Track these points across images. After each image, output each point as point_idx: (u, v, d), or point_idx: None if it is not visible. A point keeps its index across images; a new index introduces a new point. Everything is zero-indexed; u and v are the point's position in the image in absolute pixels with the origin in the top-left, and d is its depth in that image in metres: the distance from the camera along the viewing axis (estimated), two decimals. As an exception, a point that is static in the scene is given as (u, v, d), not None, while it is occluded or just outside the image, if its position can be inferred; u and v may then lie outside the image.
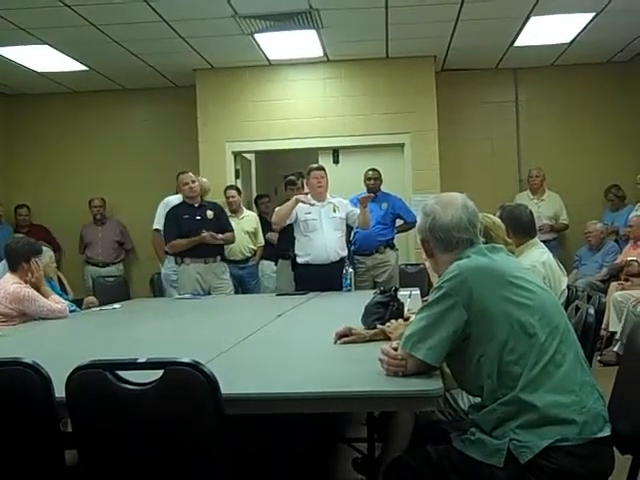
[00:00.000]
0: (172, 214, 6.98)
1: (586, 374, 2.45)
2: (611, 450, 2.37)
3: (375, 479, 2.70)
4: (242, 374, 2.71)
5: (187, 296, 6.45)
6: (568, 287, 4.38)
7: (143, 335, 4.09)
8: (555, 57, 9.27)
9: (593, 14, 7.53)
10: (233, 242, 7.29)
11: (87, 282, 8.94)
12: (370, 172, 8.16)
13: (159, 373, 2.16)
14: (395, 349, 2.52)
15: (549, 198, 9.12)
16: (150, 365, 2.20)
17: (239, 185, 8.98)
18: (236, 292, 7.32)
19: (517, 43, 8.51)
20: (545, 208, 8.86)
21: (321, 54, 8.74)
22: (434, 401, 2.35)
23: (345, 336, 3.24)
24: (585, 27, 7.94)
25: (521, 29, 7.97)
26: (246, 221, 8.18)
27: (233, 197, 8.21)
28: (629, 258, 7.70)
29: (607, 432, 2.34)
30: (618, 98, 9.60)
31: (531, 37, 8.28)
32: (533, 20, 7.65)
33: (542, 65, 9.58)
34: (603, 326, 6.44)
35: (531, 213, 4.74)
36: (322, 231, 6.53)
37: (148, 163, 9.80)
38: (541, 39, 8.42)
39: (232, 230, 7.17)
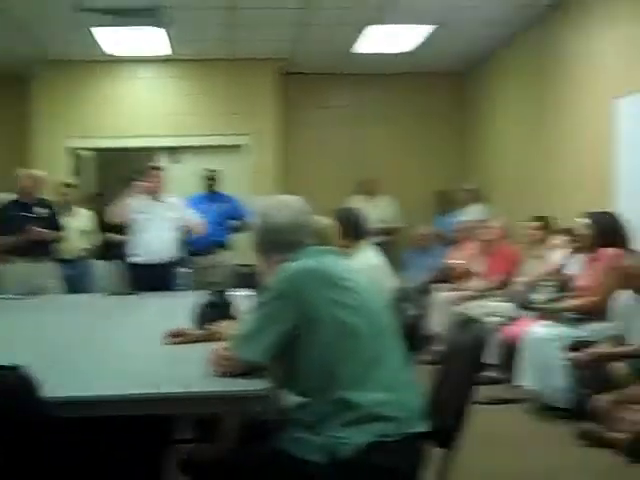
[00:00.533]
0: (1, 210, 6.71)
1: (407, 372, 2.55)
2: (428, 444, 2.47)
3: None
4: (67, 376, 2.66)
5: (11, 296, 6.18)
6: (395, 289, 4.53)
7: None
8: (394, 65, 9.53)
9: (433, 27, 7.81)
10: (60, 240, 7.06)
11: None
12: (208, 172, 8.14)
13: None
14: (224, 349, 2.54)
15: (382, 201, 9.37)
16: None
17: (76, 182, 8.72)
18: (68, 292, 7.10)
19: (357, 50, 8.70)
20: (378, 211, 9.09)
21: (165, 52, 8.62)
22: (261, 401, 2.39)
23: (176, 336, 3.23)
24: (426, 38, 8.23)
25: (360, 37, 8.16)
26: (80, 219, 7.96)
27: (67, 195, 7.98)
28: (453, 261, 8.07)
29: (425, 427, 2.44)
30: (452, 108, 10.05)
31: (370, 45, 8.49)
32: (371, 29, 7.86)
33: (382, 73, 9.84)
34: (427, 326, 6.72)
35: (363, 216, 4.88)
36: (156, 231, 6.47)
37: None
38: (381, 48, 8.65)
39: (62, 229, 6.96)
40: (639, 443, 4.26)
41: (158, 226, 6.47)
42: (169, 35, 7.91)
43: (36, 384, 2.08)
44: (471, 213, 8.66)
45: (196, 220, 6.71)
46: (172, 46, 8.39)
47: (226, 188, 8.32)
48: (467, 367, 2.57)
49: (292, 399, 2.61)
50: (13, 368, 2.08)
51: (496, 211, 8.43)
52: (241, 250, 8.65)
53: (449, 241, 8.72)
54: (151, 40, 8.11)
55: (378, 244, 5.58)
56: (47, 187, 7.61)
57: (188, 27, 7.71)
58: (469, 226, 8.17)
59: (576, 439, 4.61)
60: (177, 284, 6.27)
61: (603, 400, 4.64)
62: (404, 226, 9.29)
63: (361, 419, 2.35)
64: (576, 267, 5.85)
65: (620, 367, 4.80)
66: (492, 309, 6.51)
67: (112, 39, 8.01)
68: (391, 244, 8.81)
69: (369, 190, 9.45)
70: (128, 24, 7.38)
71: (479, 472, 4.03)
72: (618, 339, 4.99)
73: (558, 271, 6.13)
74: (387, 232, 9.05)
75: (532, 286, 6.45)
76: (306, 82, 9.83)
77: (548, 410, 5.30)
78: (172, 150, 9.53)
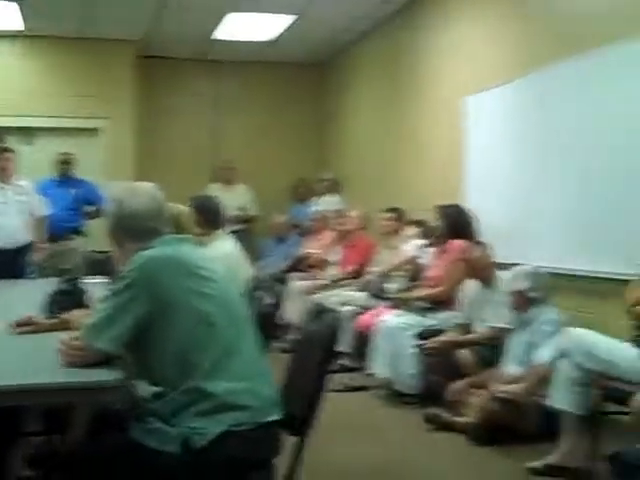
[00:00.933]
0: None
1: (262, 361, 2.58)
2: (281, 433, 2.51)
3: (52, 473, 2.64)
4: None
5: None
6: (251, 277, 4.55)
7: None
8: (256, 53, 9.54)
9: (295, 17, 7.86)
10: None
11: None
12: (62, 156, 7.91)
13: None
14: (75, 339, 2.48)
15: (239, 189, 9.37)
16: None
17: None
18: None
19: (218, 36, 8.66)
20: (234, 199, 9.07)
21: (17, 27, 8.27)
22: (114, 391, 2.35)
23: (25, 325, 3.13)
24: (287, 27, 8.27)
25: (220, 23, 8.13)
26: None
27: None
28: (309, 250, 8.17)
29: (277, 416, 2.47)
30: (311, 98, 10.17)
31: (232, 32, 8.48)
32: (232, 16, 7.84)
33: (244, 60, 9.83)
34: (283, 315, 6.79)
35: (219, 204, 4.88)
36: (7, 214, 6.24)
37: None
38: (243, 35, 8.66)
39: None
40: (482, 427, 4.47)
41: (7, 210, 6.24)
42: (22, 9, 7.59)
43: None
44: (327, 203, 8.78)
45: (40, 206, 6.50)
46: (25, 21, 8.07)
47: (81, 172, 8.10)
48: (321, 355, 2.60)
49: (146, 389, 2.58)
50: None
51: (352, 202, 8.59)
52: (96, 236, 8.47)
53: (305, 230, 8.82)
54: (2, 13, 7.77)
55: (234, 232, 5.60)
56: None
57: (42, 1, 7.42)
58: (325, 216, 8.29)
59: (424, 424, 4.77)
60: (27, 271, 6.05)
61: (453, 387, 4.83)
62: (260, 214, 9.33)
63: (215, 408, 2.36)
64: (427, 258, 6.05)
65: (467, 354, 5.02)
66: (346, 298, 6.64)
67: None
68: (247, 232, 8.83)
69: (226, 178, 9.43)
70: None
71: (333, 459, 4.12)
72: (465, 327, 5.21)
73: (410, 261, 6.32)
74: (243, 220, 9.07)
75: (385, 276, 6.63)
76: (166, 66, 9.71)
77: (399, 396, 5.46)
78: (24, 131, 9.17)
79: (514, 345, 4.65)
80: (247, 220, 9.22)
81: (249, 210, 9.33)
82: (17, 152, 6.58)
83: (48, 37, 8.72)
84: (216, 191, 8.29)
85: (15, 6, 7.47)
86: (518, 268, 4.76)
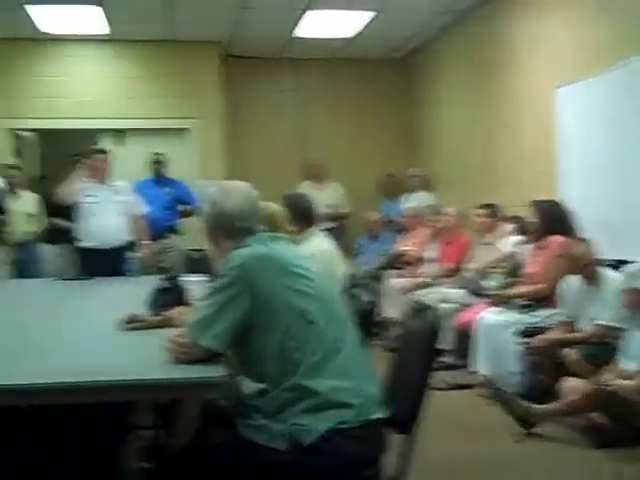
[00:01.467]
0: None
1: (363, 359, 2.56)
2: (386, 431, 2.49)
3: (162, 467, 2.69)
4: (19, 363, 2.60)
5: None
6: (347, 275, 4.54)
7: None
8: (335, 51, 9.53)
9: (374, 13, 7.83)
10: (5, 224, 6.89)
11: None
12: (155, 156, 8.06)
13: None
14: (180, 336, 2.52)
15: (330, 187, 9.34)
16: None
17: (19, 164, 8.55)
18: (15, 276, 6.97)
19: (298, 34, 8.68)
20: (326, 197, 9.06)
21: (106, 32, 8.48)
22: (219, 388, 2.38)
23: (131, 322, 3.19)
24: (366, 24, 8.25)
25: (298, 21, 8.15)
26: (26, 202, 7.82)
27: (15, 177, 7.83)
28: (403, 248, 8.11)
29: (383, 414, 2.45)
30: (395, 92, 10.08)
31: (312, 30, 8.49)
32: (310, 14, 7.85)
33: (323, 57, 9.84)
34: (380, 312, 6.75)
35: (312, 202, 4.88)
36: (105, 215, 6.38)
37: None
38: (322, 32, 8.65)
39: (8, 211, 6.81)
40: (592, 426, 4.34)
41: (106, 210, 6.38)
42: (107, 14, 7.77)
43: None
44: (419, 199, 8.71)
45: (138, 206, 6.63)
46: (110, 25, 8.25)
47: (173, 172, 8.24)
48: (423, 353, 2.58)
49: (250, 386, 2.60)
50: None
51: (444, 198, 8.50)
52: (190, 235, 8.62)
53: (399, 227, 8.76)
54: (89, 19, 7.96)
55: (326, 230, 5.59)
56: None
57: (127, 6, 7.59)
58: (419, 212, 8.22)
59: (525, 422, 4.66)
60: (127, 269, 6.19)
61: (566, 384, 4.67)
62: (351, 212, 9.30)
63: (320, 406, 2.36)
64: (525, 254, 5.93)
65: (571, 352, 4.87)
66: (445, 295, 6.56)
67: (48, 17, 7.83)
68: (339, 230, 8.83)
69: (316, 175, 9.42)
70: (65, 2, 7.23)
71: (438, 457, 4.06)
72: (568, 325, 5.07)
73: (508, 258, 6.21)
74: (335, 218, 9.04)
75: (483, 273, 6.52)
76: (250, 65, 9.76)
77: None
78: (117, 132, 9.39)
79: (632, 344, 4.47)
80: (339, 218, 9.19)
81: (340, 207, 9.29)
82: (111, 153, 6.70)
83: (136, 41, 8.90)
84: (307, 189, 8.31)
85: (100, 10, 7.63)
86: (633, 265, 4.58)
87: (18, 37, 8.53)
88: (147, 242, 6.56)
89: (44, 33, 8.42)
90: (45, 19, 7.92)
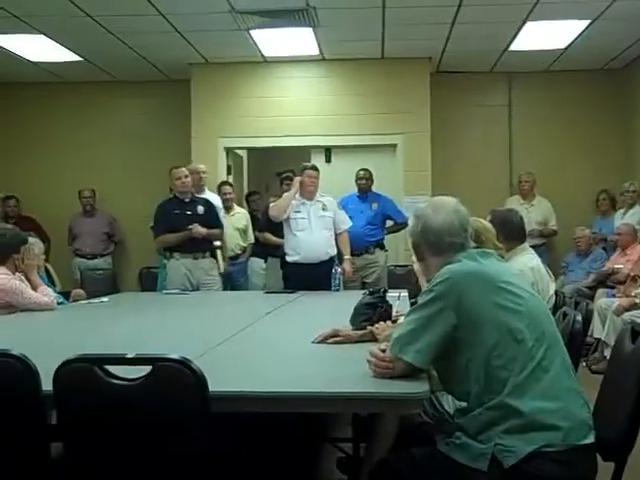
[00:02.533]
0: (162, 209, 6.95)
1: (572, 380, 2.46)
2: (594, 457, 2.38)
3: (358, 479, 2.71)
4: (229, 371, 2.72)
5: (175, 291, 6.44)
6: (556, 293, 4.40)
7: (131, 330, 4.07)
8: (549, 63, 9.31)
9: (589, 21, 7.56)
10: (221, 239, 7.24)
11: (75, 274, 8.83)
12: (361, 172, 8.16)
13: (148, 369, 2.16)
14: (383, 351, 2.52)
15: (539, 203, 9.13)
16: (139, 361, 2.20)
17: (231, 181, 8.99)
18: (224, 289, 7.31)
19: (512, 48, 8.55)
20: (534, 213, 8.87)
21: (317, 52, 8.75)
22: (420, 403, 2.37)
23: (334, 336, 3.24)
24: (580, 34, 7.98)
25: (517, 34, 8.00)
26: (237, 218, 8.17)
27: (230, 193, 8.23)
28: (616, 266, 7.74)
29: (591, 439, 2.35)
30: (611, 105, 9.64)
31: (526, 42, 8.32)
32: (529, 25, 7.69)
33: (536, 70, 9.61)
34: (589, 333, 6.47)
35: (521, 218, 4.76)
36: (311, 230, 6.56)
37: (139, 156, 9.80)
38: (536, 44, 8.46)
39: (221, 227, 7.15)
40: None
41: (313, 225, 6.56)
42: (317, 35, 7.99)
43: (204, 378, 2.13)
44: (634, 215, 8.29)
45: (343, 221, 6.74)
46: (320, 46, 8.48)
47: (380, 188, 8.31)
48: (638, 378, 2.44)
49: (451, 403, 2.57)
50: (182, 361, 2.14)
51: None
52: (396, 250, 8.68)
53: (611, 244, 8.39)
54: (301, 41, 8.25)
55: (534, 247, 5.43)
56: (206, 184, 7.86)
57: (339, 26, 7.76)
58: (634, 229, 7.83)
59: None
60: (333, 284, 6.31)
61: None
62: (560, 229, 9.00)
63: (525, 427, 2.29)
64: None
65: None
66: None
67: (267, 40, 8.18)
68: (547, 248, 8.58)
69: (524, 191, 9.23)
70: (280, 25, 7.52)
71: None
72: None
73: None
74: (544, 235, 8.81)
75: None
76: (456, 80, 9.68)
77: None
78: (324, 149, 9.62)
79: None
80: (548, 235, 8.94)
81: (550, 224, 9.03)
82: (319, 170, 6.86)
83: (344, 60, 9.06)
84: (515, 204, 8.13)
85: (311, 32, 7.86)
86: None
87: (237, 61, 8.99)
88: (349, 257, 6.64)
89: (263, 56, 8.84)
90: (266, 43, 8.31)
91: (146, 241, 7.74)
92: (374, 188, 8.17)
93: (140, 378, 2.16)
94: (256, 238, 8.10)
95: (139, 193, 9.17)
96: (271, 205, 6.84)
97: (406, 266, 7.74)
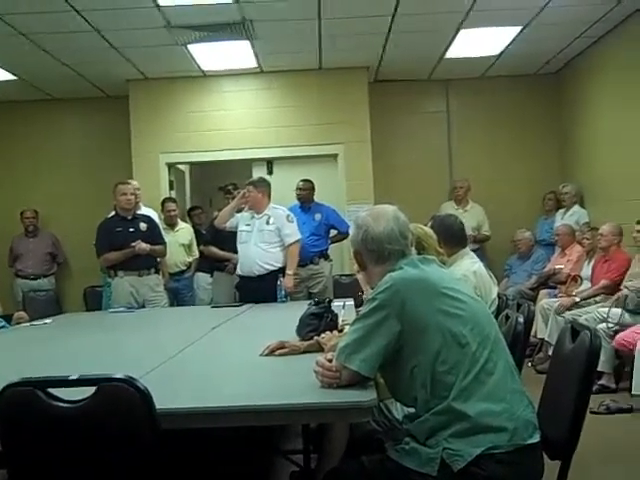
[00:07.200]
0: (104, 227, 6.86)
1: (516, 382, 2.50)
2: (540, 456, 2.42)
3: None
4: (177, 388, 2.70)
5: (121, 309, 6.37)
6: (498, 296, 4.45)
7: (75, 351, 4.02)
8: (485, 69, 9.43)
9: (521, 27, 7.69)
10: (165, 255, 7.18)
11: (17, 296, 8.68)
12: (301, 183, 8.17)
13: (92, 390, 2.13)
14: (330, 360, 2.53)
15: (472, 209, 9.22)
16: (83, 382, 2.16)
17: (173, 196, 8.94)
18: (171, 304, 7.25)
19: (448, 55, 8.65)
20: (468, 219, 8.85)
21: (255, 65, 8.75)
22: (369, 412, 2.37)
23: (280, 348, 3.23)
24: (513, 40, 8.11)
25: (451, 41, 8.10)
26: (181, 233, 8.14)
27: (173, 210, 8.20)
28: (557, 266, 7.87)
29: (536, 438, 2.38)
30: (546, 109, 9.82)
31: (461, 49, 8.42)
32: (462, 33, 7.79)
33: (473, 76, 9.73)
34: (532, 333, 6.57)
35: (462, 223, 4.81)
36: (250, 243, 6.58)
37: (80, 174, 9.69)
38: (471, 51, 8.57)
39: (164, 243, 7.08)
40: None
41: (252, 239, 6.58)
42: (255, 48, 8.00)
43: (150, 396, 2.12)
44: (573, 216, 8.45)
45: (290, 234, 6.74)
46: (258, 59, 8.49)
47: (321, 197, 8.34)
48: (579, 375, 2.48)
49: (399, 410, 2.59)
50: (128, 380, 2.12)
51: (598, 213, 8.20)
52: (341, 260, 8.70)
53: (551, 245, 8.54)
54: (239, 54, 8.23)
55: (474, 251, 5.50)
56: (145, 201, 7.80)
57: (276, 39, 7.77)
58: (572, 229, 7.98)
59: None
60: (279, 295, 6.31)
61: None
62: (499, 232, 9.12)
63: (471, 430, 2.32)
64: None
65: None
66: (601, 315, 6.31)
67: (204, 54, 8.16)
68: (483, 251, 8.65)
69: (459, 197, 9.34)
70: (217, 39, 7.51)
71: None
72: None
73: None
74: (477, 240, 8.87)
75: (642, 291, 6.24)
76: (395, 88, 9.76)
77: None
78: (266, 161, 9.62)
79: None
80: (481, 240, 9.03)
81: (482, 229, 9.14)
82: (261, 184, 6.85)
83: (282, 71, 9.08)
84: (450, 209, 8.20)
85: (248, 45, 7.86)
86: None
87: (175, 76, 8.95)
88: (290, 272, 6.62)
89: (201, 70, 8.82)
90: (204, 57, 8.29)
91: (90, 260, 7.62)
92: (317, 198, 8.19)
93: (85, 399, 2.13)
94: (201, 252, 8.08)
95: (82, 211, 9.05)
96: (218, 215, 6.87)
97: (351, 275, 7.78)
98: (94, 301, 7.45)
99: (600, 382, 5.86)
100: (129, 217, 6.85)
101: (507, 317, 3.34)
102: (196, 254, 8.18)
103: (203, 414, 2.33)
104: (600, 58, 8.61)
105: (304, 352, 3.16)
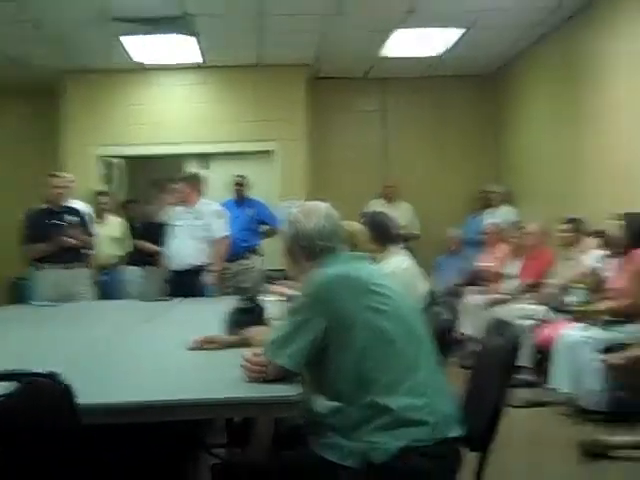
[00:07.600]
0: (31, 218, 6.70)
1: (439, 377, 2.54)
2: (462, 449, 2.46)
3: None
4: (100, 383, 2.66)
5: (45, 303, 6.21)
6: (426, 293, 4.51)
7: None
8: (423, 69, 9.51)
9: (464, 30, 7.78)
10: (93, 248, 7.07)
11: None
12: (237, 178, 8.17)
13: (12, 385, 2.09)
14: (256, 355, 2.54)
15: (402, 207, 9.25)
16: (2, 377, 2.12)
17: (108, 190, 8.82)
18: (100, 298, 7.14)
19: (384, 54, 8.69)
20: (397, 217, 8.96)
21: (196, 60, 8.70)
22: (295, 407, 2.38)
23: (208, 342, 3.23)
24: (455, 42, 8.20)
25: (387, 40, 8.15)
26: (111, 226, 8.03)
27: (105, 203, 8.09)
28: (484, 264, 8.01)
29: (458, 432, 2.43)
30: (484, 110, 9.97)
31: (398, 49, 8.48)
32: (399, 32, 7.84)
33: (410, 76, 9.81)
34: (458, 329, 6.67)
35: (392, 220, 4.86)
36: (180, 238, 6.54)
37: (8, 166, 9.48)
38: (410, 51, 8.64)
39: (93, 235, 6.97)
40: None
41: (180, 233, 6.53)
42: (199, 43, 7.96)
43: (72, 391, 2.09)
44: (501, 215, 8.60)
45: (219, 229, 6.71)
46: (203, 54, 8.46)
47: (256, 193, 8.34)
48: (500, 370, 2.54)
49: (324, 404, 2.60)
50: (49, 375, 2.09)
51: (526, 213, 8.37)
52: (271, 255, 8.68)
53: (479, 244, 8.66)
54: (182, 48, 8.19)
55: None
56: (77, 193, 7.66)
57: (217, 34, 7.76)
58: (500, 228, 8.12)
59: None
60: (207, 290, 6.29)
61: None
62: (429, 230, 9.21)
63: (394, 424, 2.35)
64: (609, 269, 5.78)
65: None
66: (525, 312, 6.45)
67: (141, 47, 8.08)
68: (411, 249, 8.72)
69: (389, 195, 9.40)
70: (157, 32, 7.44)
71: (514, 476, 3.99)
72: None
73: (591, 273, 6.06)
74: (406, 238, 8.90)
75: (565, 289, 6.39)
76: (334, 86, 9.82)
77: (583, 413, 5.24)
78: (202, 156, 9.57)
79: None
80: (410, 238, 9.07)
81: (411, 228, 9.19)
82: (196, 178, 6.82)
83: (222, 67, 9.07)
84: (379, 207, 8.25)
85: (193, 40, 7.82)
86: None
87: (111, 68, 8.85)
88: (215, 268, 6.59)
89: (137, 63, 8.72)
90: (139, 50, 8.20)
91: (17, 251, 7.46)
92: (252, 194, 8.18)
93: (4, 395, 2.08)
94: (134, 246, 7.98)
95: (9, 203, 8.87)
96: (149, 209, 6.81)
97: (282, 270, 7.75)
98: (20, 294, 7.27)
99: (521, 376, 5.98)
100: (56, 210, 6.72)
101: (434, 313, 3.39)
102: (128, 248, 8.07)
103: (125, 409, 2.32)
104: (534, 63, 8.80)
105: (231, 347, 3.16)
